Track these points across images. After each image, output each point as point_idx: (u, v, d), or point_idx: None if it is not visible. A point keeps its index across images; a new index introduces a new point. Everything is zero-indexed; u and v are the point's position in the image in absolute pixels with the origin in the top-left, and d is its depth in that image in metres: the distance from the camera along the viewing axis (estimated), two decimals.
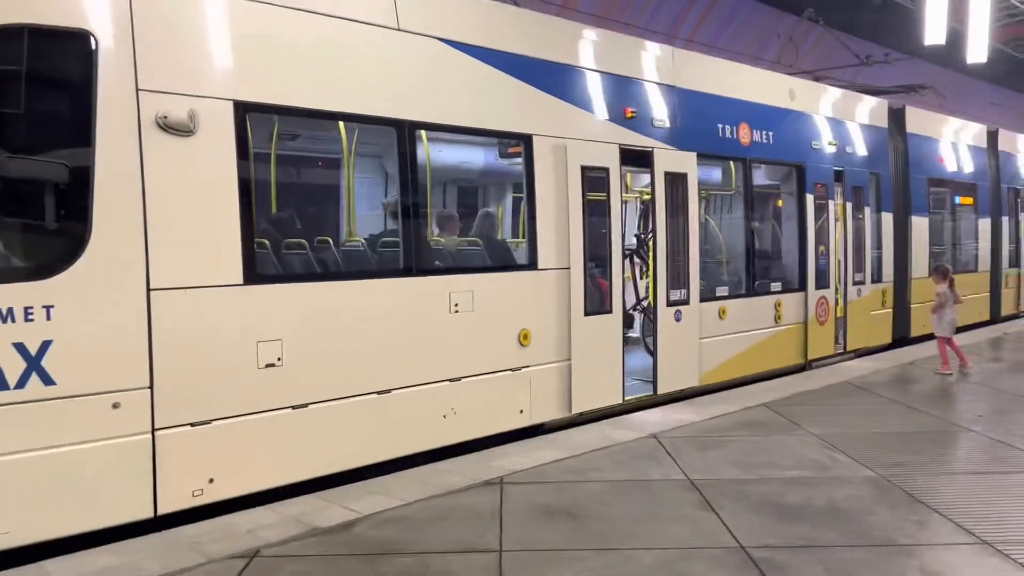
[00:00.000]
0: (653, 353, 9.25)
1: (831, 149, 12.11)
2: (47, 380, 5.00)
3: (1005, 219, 17.67)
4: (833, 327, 12.16)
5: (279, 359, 6.03)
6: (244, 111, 5.86)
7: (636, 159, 9.01)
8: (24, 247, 5.15)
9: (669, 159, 9.31)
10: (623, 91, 8.87)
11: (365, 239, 7.43)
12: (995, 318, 17.30)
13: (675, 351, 9.39)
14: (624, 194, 9.67)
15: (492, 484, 6.37)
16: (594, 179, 8.34)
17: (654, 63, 9.37)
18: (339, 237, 7.49)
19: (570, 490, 6.22)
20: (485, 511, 5.78)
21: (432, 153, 7.28)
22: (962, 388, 10.30)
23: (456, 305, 7.19)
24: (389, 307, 6.76)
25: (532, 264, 7.83)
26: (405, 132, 6.86)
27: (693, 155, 9.64)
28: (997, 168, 17.46)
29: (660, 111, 9.28)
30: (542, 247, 7.86)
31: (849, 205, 12.37)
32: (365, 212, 7.97)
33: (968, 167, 16.39)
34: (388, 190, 7.80)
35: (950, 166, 15.75)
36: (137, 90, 5.36)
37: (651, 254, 9.30)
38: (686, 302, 9.53)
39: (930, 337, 12.30)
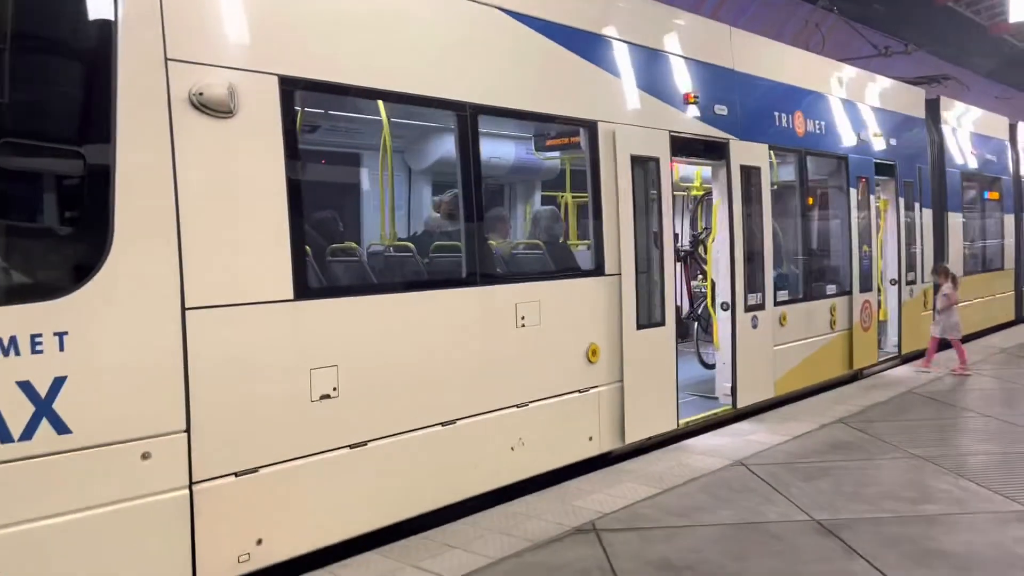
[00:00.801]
0: (733, 363, 8.30)
1: (877, 141, 11.31)
2: (60, 428, 3.91)
3: None
4: (875, 332, 11.35)
5: (335, 389, 4.98)
6: (291, 88, 4.81)
7: (707, 150, 8.07)
8: (29, 259, 4.04)
9: (744, 151, 8.39)
10: (684, 74, 7.93)
11: (421, 243, 6.38)
12: (1020, 318, 16.68)
13: (753, 361, 8.50)
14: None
15: (585, 532, 5.38)
16: (647, 171, 7.35)
17: (715, 43, 8.45)
18: (391, 241, 6.45)
19: (683, 538, 5.24)
20: (592, 569, 4.78)
21: (492, 143, 6.26)
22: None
23: (523, 318, 6.18)
24: (452, 322, 5.73)
25: (599, 269, 6.84)
26: (467, 117, 5.84)
27: (766, 147, 8.75)
28: (1018, 162, 16.87)
29: (723, 97, 8.35)
30: (608, 250, 6.88)
31: (901, 201, 11.59)
32: (421, 211, 6.91)
33: (993, 161, 15.75)
34: (441, 186, 6.74)
35: (979, 160, 15.09)
36: (166, 60, 4.28)
37: (728, 255, 8.33)
38: (761, 307, 8.62)
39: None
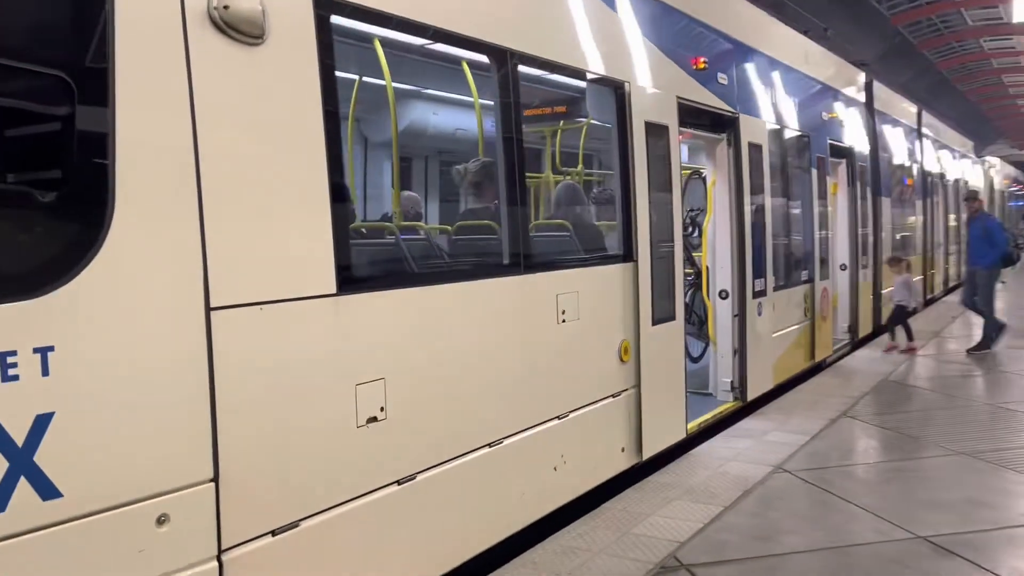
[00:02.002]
0: (741, 354, 7.58)
1: (832, 121, 10.97)
2: (45, 489, 2.61)
3: (929, 201, 17.51)
4: (832, 320, 11.05)
5: (382, 409, 3.82)
6: (326, 13, 3.60)
7: (713, 123, 7.29)
8: None
9: (750, 127, 7.68)
10: (693, 35, 7.13)
11: (461, 222, 5.21)
12: (926, 300, 17.11)
13: (759, 351, 7.85)
14: None
15: (672, 569, 4.47)
16: (660, 141, 6.41)
17: (719, 5, 7.68)
18: (429, 218, 5.26)
19: (790, 571, 4.42)
20: None
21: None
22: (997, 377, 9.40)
23: (563, 312, 5.18)
24: (495, 318, 4.67)
25: (628, 255, 5.92)
26: (508, 65, 4.77)
27: (765, 123, 8.08)
28: (923, 148, 17.24)
29: (724, 66, 7.61)
30: (640, 233, 5.96)
31: (858, 185, 11.33)
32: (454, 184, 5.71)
33: (908, 148, 15.98)
34: (472, 150, 5.58)
35: (901, 145, 15.23)
36: None
37: (731, 239, 7.60)
38: (764, 293, 7.96)
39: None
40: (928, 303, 17.19)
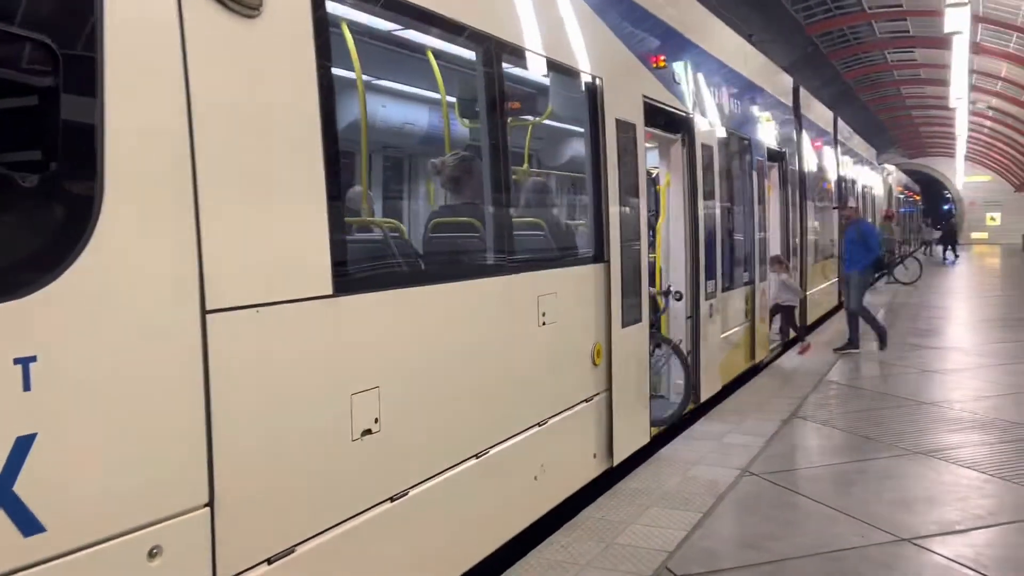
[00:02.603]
0: (695, 355, 7.53)
1: (768, 126, 11.13)
2: (27, 524, 2.22)
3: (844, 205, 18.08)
4: (768, 321, 11.22)
5: (376, 421, 3.52)
6: None
7: (667, 123, 7.21)
8: None
9: (703, 127, 7.63)
10: (654, 32, 7.03)
11: (439, 219, 4.90)
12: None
13: (711, 352, 7.83)
14: None
15: None
16: (627, 140, 6.28)
17: (674, 4, 7.61)
18: (419, 213, 4.93)
19: None
20: None
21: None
22: (927, 378, 9.70)
23: (544, 314, 4.96)
24: (484, 322, 4.43)
25: (599, 256, 5.75)
26: (492, 54, 4.52)
27: (715, 125, 8.06)
28: (839, 156, 17.79)
29: (680, 66, 7.55)
30: (612, 233, 5.80)
31: (788, 187, 11.53)
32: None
33: (827, 153, 16.44)
34: (447, 142, 5.26)
35: (821, 151, 15.64)
36: None
37: (686, 240, 7.54)
38: (714, 294, 7.94)
39: (815, 326, 12.98)
40: (840, 305, 17.73)
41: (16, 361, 2.19)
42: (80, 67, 2.37)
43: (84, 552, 2.35)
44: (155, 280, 2.56)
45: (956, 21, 14.64)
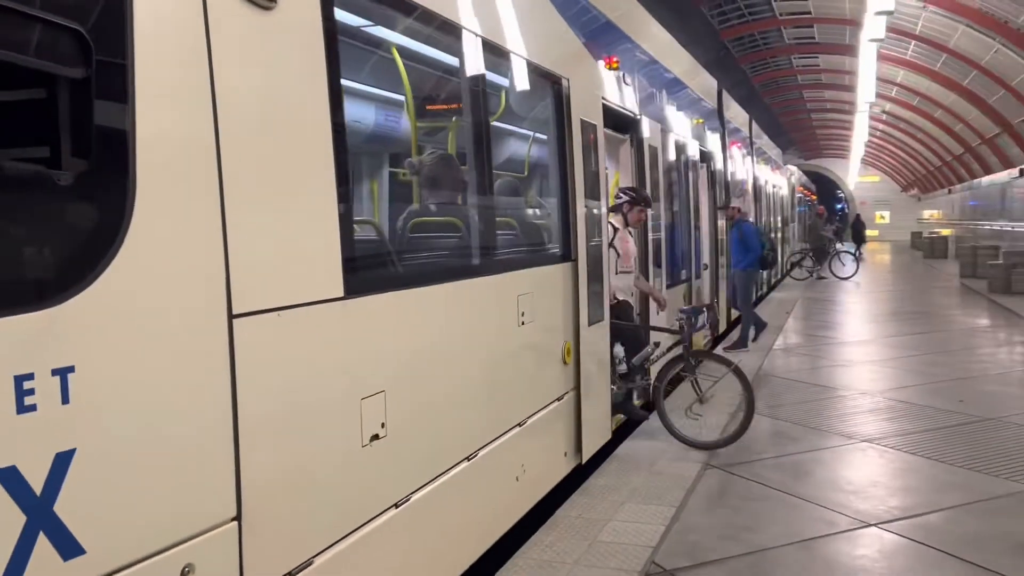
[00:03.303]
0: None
1: (699, 127, 11.41)
2: (67, 547, 2.08)
3: (759, 204, 18.67)
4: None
5: (383, 426, 3.44)
6: None
7: (616, 124, 7.28)
8: None
9: (649, 129, 7.75)
10: (608, 34, 7.10)
11: (419, 219, 4.78)
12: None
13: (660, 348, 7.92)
14: None
15: None
16: (589, 141, 6.34)
17: (620, 6, 7.70)
18: (412, 211, 4.78)
19: (774, 567, 4.44)
20: None
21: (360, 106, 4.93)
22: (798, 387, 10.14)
23: (523, 314, 4.95)
24: (477, 322, 4.39)
25: (567, 255, 5.77)
26: (476, 53, 4.47)
27: (659, 126, 8.21)
28: (755, 157, 18.37)
29: (629, 68, 7.64)
30: (579, 232, 5.83)
31: (715, 188, 11.86)
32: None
33: (746, 154, 16.95)
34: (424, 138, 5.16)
35: (741, 152, 16.11)
36: None
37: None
38: (661, 291, 8.07)
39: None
40: (758, 301, 18.36)
41: (54, 372, 2.04)
42: (110, 60, 2.22)
43: (120, 574, 2.21)
44: (185, 283, 2.43)
45: (876, 29, 15.33)
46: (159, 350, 2.34)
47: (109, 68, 2.22)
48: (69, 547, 2.08)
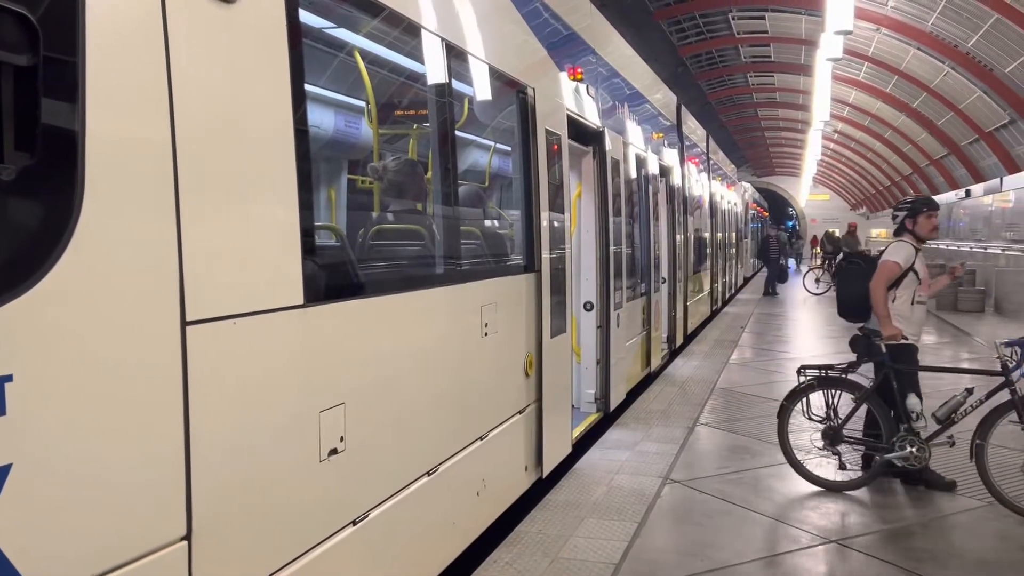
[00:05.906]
0: (605, 364, 7.59)
1: (659, 142, 11.46)
2: (1, 570, 1.92)
3: (714, 220, 18.86)
4: (664, 331, 11.57)
5: (342, 439, 3.31)
6: None
7: (578, 136, 7.23)
8: None
9: (612, 141, 7.73)
10: (571, 45, 7.06)
11: (381, 226, 4.64)
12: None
13: (618, 361, 7.92)
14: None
15: None
16: (555, 151, 6.30)
17: (583, 18, 7.67)
18: (372, 219, 4.64)
19: None
20: None
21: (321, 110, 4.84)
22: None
23: (486, 325, 4.85)
24: (438, 332, 4.28)
25: (530, 266, 5.68)
26: (445, 59, 4.38)
27: (621, 139, 8.20)
28: (711, 172, 18.56)
29: (592, 79, 7.62)
30: (543, 243, 5.75)
31: (674, 202, 11.92)
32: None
33: (702, 170, 17.11)
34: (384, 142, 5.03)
35: (698, 167, 16.25)
36: None
37: (597, 251, 7.60)
38: (621, 304, 8.04)
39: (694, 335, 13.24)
40: (714, 314, 18.53)
41: None
42: (60, 47, 2.08)
43: None
44: (137, 288, 2.29)
45: (834, 49, 15.61)
46: (106, 358, 2.19)
47: (58, 56, 2.07)
48: (2, 571, 1.92)
